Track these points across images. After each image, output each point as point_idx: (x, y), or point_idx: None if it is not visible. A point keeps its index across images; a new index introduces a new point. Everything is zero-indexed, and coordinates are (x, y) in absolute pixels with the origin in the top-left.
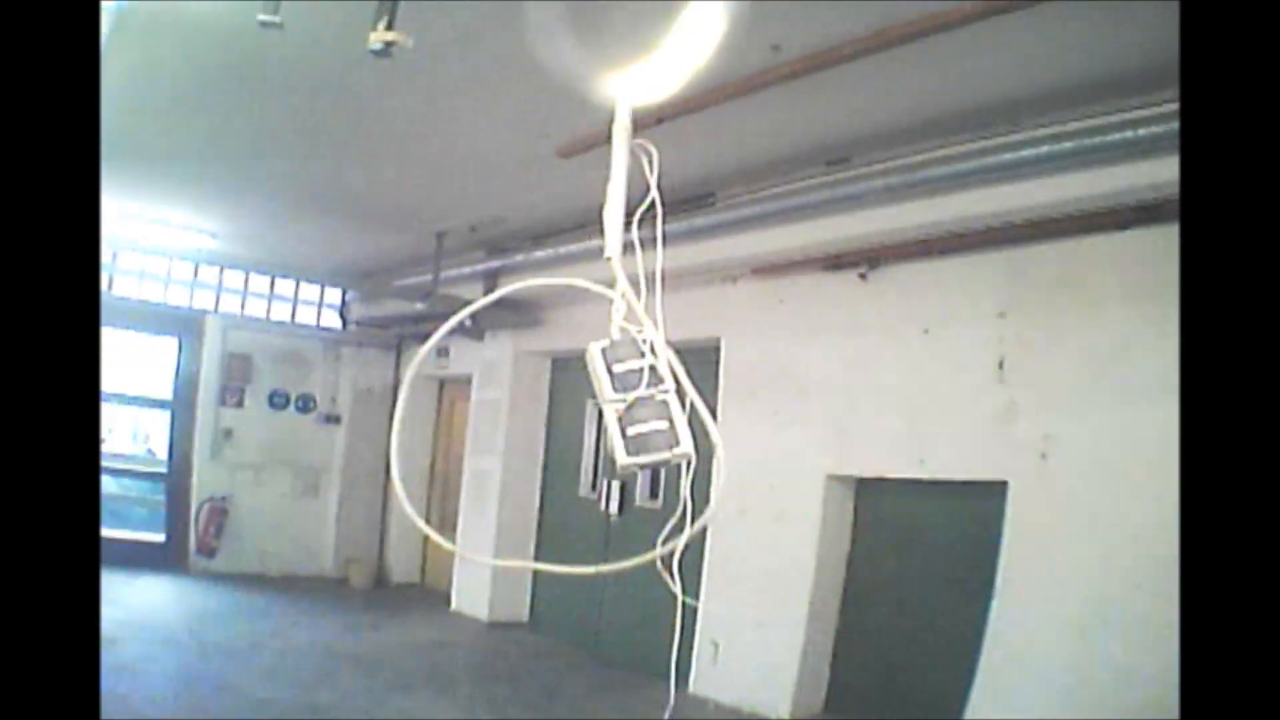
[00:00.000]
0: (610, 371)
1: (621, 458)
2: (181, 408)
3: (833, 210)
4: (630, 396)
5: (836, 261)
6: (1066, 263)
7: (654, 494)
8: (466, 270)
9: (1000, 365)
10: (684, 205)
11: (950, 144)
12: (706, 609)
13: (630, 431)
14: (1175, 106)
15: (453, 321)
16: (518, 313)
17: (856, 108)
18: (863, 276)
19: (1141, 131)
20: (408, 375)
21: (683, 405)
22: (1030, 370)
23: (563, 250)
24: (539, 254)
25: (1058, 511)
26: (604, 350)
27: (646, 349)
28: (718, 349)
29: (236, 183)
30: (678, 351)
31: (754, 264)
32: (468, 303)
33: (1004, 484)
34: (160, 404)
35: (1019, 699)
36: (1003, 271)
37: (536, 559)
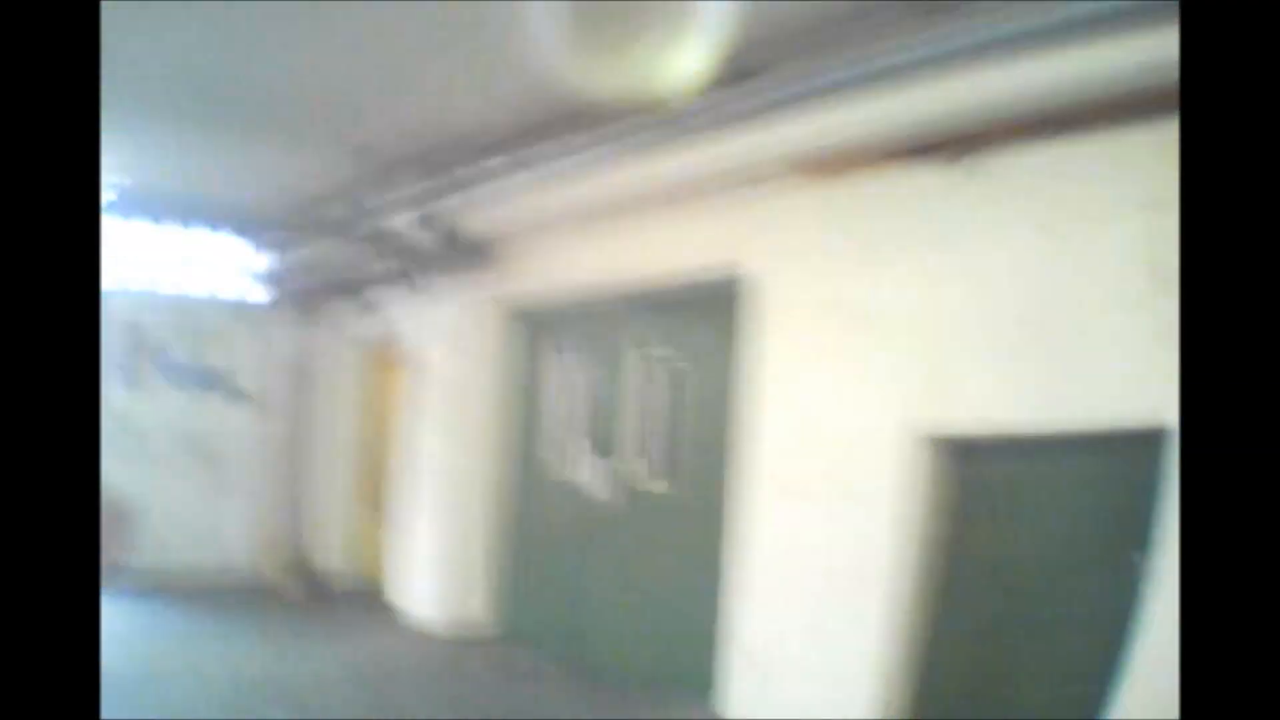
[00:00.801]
0: None
1: None
2: None
3: (929, 72)
4: None
5: (923, 146)
6: None
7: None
8: (396, 196)
9: (1154, 270)
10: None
11: None
12: (738, 616)
13: None
14: None
15: None
16: (467, 253)
17: None
18: (956, 160)
19: None
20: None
21: None
22: None
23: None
24: (495, 165)
25: None
26: None
27: None
28: (731, 284)
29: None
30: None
31: (802, 159)
32: (403, 240)
33: (1159, 432)
34: None
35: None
36: (1151, 152)
37: (499, 562)
